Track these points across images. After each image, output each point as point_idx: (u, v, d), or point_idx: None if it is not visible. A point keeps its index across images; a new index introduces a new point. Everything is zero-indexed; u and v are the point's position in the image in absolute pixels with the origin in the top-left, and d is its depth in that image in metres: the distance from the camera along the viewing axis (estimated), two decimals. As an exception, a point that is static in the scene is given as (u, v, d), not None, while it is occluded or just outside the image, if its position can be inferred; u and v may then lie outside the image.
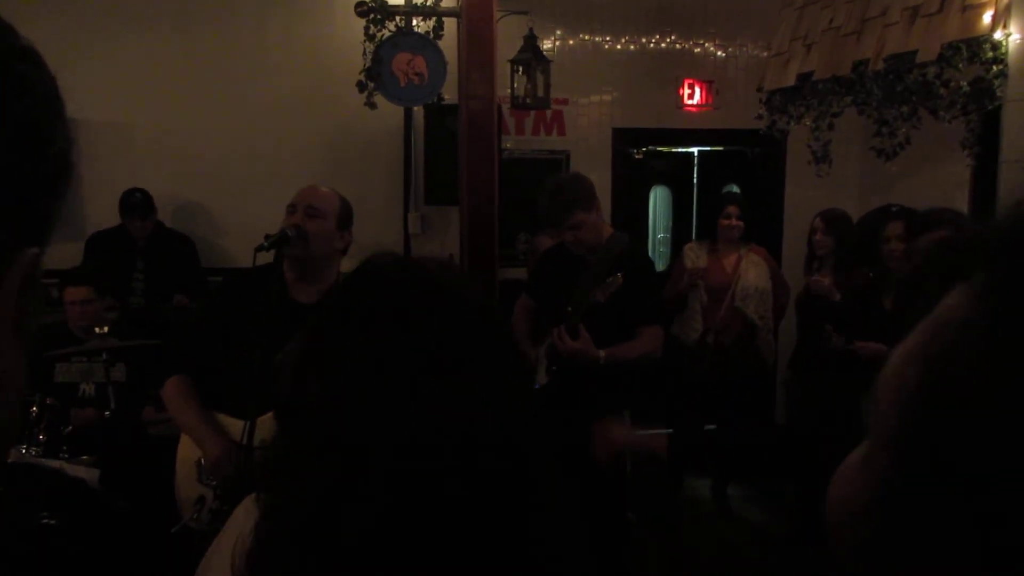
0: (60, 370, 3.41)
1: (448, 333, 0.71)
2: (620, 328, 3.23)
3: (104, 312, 3.78)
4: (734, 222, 4.57)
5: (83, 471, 2.70)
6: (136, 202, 4.76)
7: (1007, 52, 3.55)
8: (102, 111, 5.02)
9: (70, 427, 3.15)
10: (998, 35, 3.54)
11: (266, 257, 2.50)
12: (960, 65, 3.57)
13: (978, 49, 3.52)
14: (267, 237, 2.50)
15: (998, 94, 3.53)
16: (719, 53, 5.91)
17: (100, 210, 4.86)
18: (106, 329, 3.38)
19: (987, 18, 3.52)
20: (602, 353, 3.15)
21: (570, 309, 3.20)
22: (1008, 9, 3.55)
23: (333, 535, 0.64)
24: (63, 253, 4.87)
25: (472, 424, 0.67)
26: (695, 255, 4.65)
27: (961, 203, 4.40)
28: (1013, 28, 3.56)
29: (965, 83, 3.58)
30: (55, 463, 2.80)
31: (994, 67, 3.51)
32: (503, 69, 4.47)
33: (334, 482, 0.65)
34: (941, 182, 4.64)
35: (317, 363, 0.72)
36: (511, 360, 0.75)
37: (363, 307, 0.73)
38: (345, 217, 2.59)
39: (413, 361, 0.69)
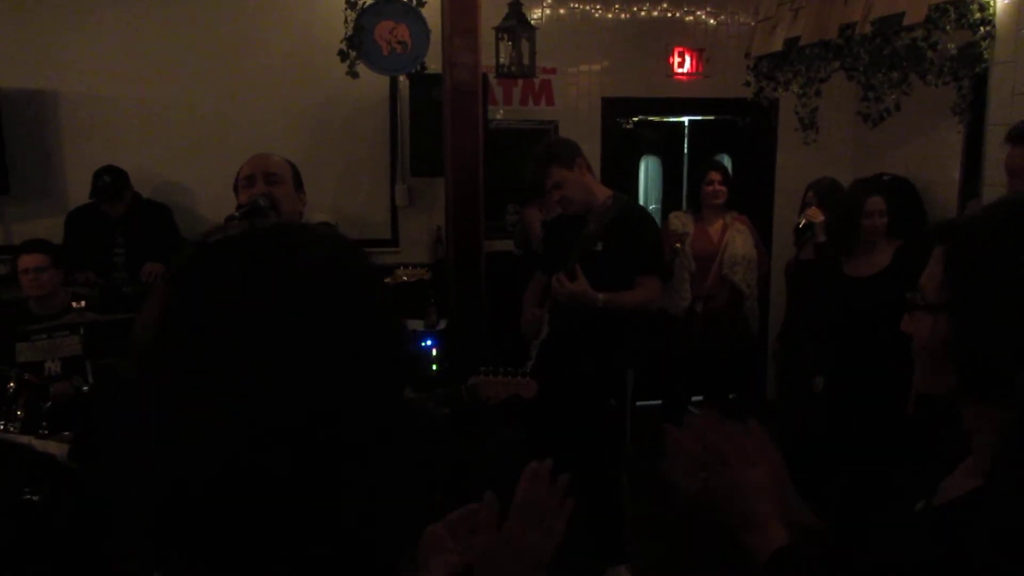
0: (21, 349, 3.28)
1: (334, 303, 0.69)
2: (618, 279, 3.27)
3: (60, 284, 3.74)
4: (717, 187, 4.54)
5: (53, 446, 2.68)
6: (104, 185, 4.62)
7: (995, 13, 3.49)
8: (84, 84, 4.97)
9: (49, 403, 3.12)
10: (986, -4, 3.49)
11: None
12: (948, 27, 3.51)
13: (965, 10, 3.46)
14: (239, 208, 2.46)
15: (985, 56, 3.47)
16: (710, 21, 5.82)
17: (82, 183, 4.77)
18: (83, 304, 3.33)
19: (975, -22, 3.47)
20: (601, 296, 3.19)
21: (568, 260, 3.25)
22: (996, -31, 3.50)
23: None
24: (45, 228, 4.83)
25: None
26: (681, 223, 4.61)
27: (954, 170, 4.35)
28: (1001, -12, 3.50)
29: (953, 46, 3.52)
30: (24, 439, 2.77)
31: (982, 28, 3.45)
32: (488, 38, 4.40)
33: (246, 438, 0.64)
34: (934, 149, 4.58)
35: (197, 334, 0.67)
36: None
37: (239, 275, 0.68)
38: (297, 178, 2.61)
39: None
